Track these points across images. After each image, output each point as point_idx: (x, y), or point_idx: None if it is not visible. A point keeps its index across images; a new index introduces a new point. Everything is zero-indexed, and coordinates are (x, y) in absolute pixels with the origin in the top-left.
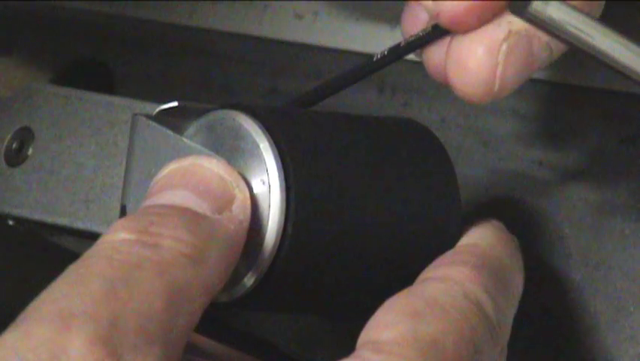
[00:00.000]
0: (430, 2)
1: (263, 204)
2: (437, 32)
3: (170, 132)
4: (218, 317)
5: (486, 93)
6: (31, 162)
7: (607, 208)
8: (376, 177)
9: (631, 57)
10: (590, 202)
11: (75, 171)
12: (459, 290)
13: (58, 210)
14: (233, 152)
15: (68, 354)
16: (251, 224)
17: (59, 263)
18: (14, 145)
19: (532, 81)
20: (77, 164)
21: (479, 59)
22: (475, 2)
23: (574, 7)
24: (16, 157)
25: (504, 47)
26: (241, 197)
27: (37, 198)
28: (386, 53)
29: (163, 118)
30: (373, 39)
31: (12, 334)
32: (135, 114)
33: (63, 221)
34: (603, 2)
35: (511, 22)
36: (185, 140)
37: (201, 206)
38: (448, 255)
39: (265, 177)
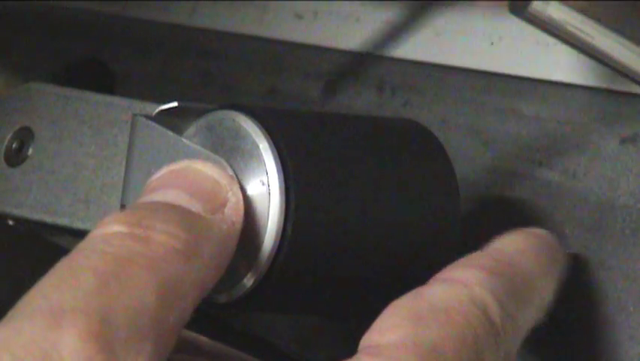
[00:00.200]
0: None
1: (262, 204)
2: None
3: (169, 132)
4: (218, 317)
5: None
6: (31, 162)
7: (607, 208)
8: (376, 178)
9: (631, 57)
10: (590, 202)
11: (75, 171)
12: (466, 294)
13: (58, 210)
14: (232, 152)
15: (60, 350)
16: (250, 225)
17: None
18: (14, 145)
19: (533, 81)
20: (77, 164)
21: None
22: None
23: (574, 7)
24: (16, 157)
25: None
26: (234, 200)
27: (37, 198)
28: None
29: (163, 118)
30: (373, 39)
31: (2, 330)
32: (135, 114)
33: (63, 221)
34: (603, 2)
35: None
36: (184, 140)
37: (194, 205)
38: (471, 256)
39: (264, 178)
